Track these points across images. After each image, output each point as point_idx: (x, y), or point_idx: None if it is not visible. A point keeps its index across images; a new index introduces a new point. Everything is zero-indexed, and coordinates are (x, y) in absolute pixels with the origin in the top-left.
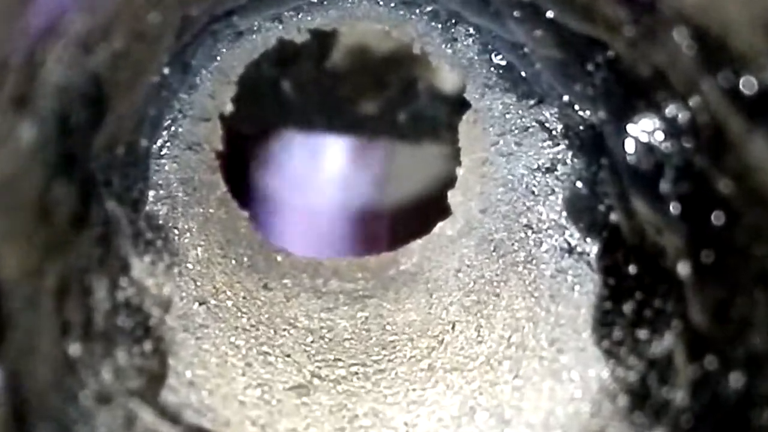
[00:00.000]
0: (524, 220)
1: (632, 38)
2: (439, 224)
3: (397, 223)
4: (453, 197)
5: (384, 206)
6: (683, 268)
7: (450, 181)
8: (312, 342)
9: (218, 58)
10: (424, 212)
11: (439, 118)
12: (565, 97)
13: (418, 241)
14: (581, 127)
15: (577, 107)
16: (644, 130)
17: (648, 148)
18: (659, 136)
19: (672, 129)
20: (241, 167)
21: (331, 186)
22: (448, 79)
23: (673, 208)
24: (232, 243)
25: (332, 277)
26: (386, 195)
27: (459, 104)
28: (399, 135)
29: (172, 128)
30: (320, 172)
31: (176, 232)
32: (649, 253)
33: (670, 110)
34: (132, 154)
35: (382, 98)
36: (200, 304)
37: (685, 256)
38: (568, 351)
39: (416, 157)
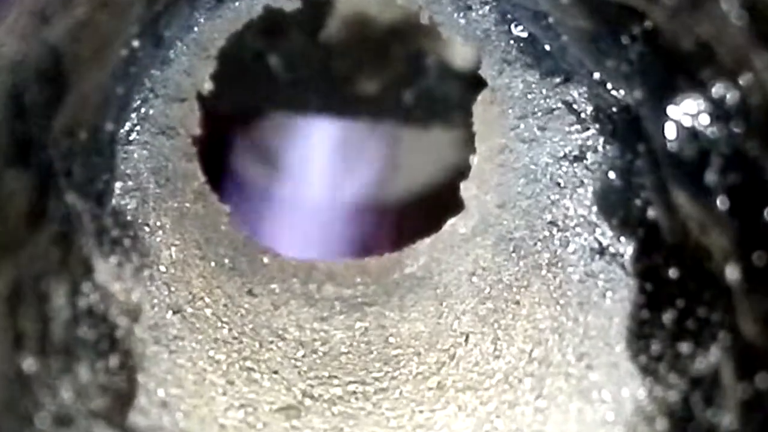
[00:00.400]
0: (548, 217)
1: (673, 6)
2: (451, 221)
3: (402, 219)
4: (466, 190)
5: (387, 200)
6: (732, 272)
7: (463, 171)
8: (303, 356)
9: (195, 29)
10: (432, 207)
11: (450, 99)
12: (596, 75)
13: (426, 241)
14: (614, 109)
15: (609, 86)
16: (687, 112)
17: (691, 134)
18: (704, 119)
19: (719, 111)
20: (222, 155)
21: (326, 177)
22: (460, 53)
23: (721, 202)
24: (211, 242)
25: (327, 281)
26: (389, 187)
27: (473, 82)
28: (404, 118)
29: (143, 110)
30: (313, 160)
31: (147, 229)
32: (692, 255)
33: (716, 90)
34: (96, 140)
35: (384, 76)
36: (174, 313)
37: (733, 257)
38: (598, 367)
39: (424, 144)
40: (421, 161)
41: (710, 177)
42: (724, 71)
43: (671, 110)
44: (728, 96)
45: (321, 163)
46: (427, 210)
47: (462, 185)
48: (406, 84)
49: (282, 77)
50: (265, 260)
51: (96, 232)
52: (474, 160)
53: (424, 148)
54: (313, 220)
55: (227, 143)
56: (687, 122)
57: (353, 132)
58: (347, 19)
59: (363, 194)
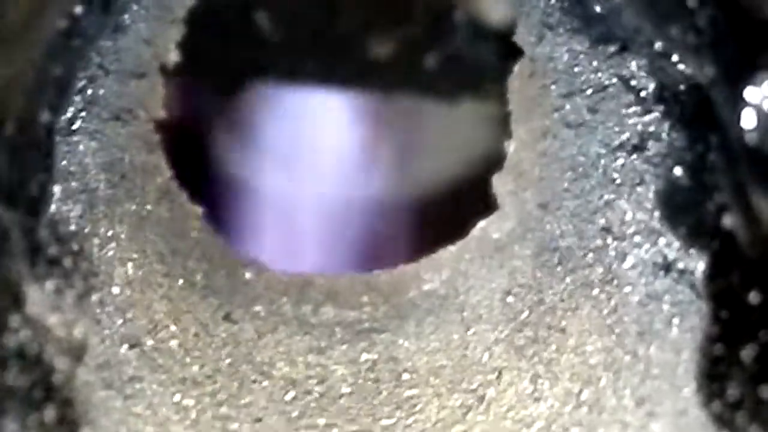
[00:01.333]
0: (601, 221)
1: None
2: (481, 224)
3: (421, 221)
4: (500, 184)
5: (401, 197)
6: None
7: (497, 161)
8: (294, 398)
9: None
10: (458, 205)
11: (482, 66)
12: (658, 45)
13: (450, 249)
14: (682, 88)
15: (675, 59)
16: (763, 94)
17: None
18: None
19: None
20: (193, 142)
21: (326, 167)
22: (495, 9)
23: None
24: (179, 254)
25: (325, 301)
26: (405, 180)
27: (512, 46)
28: (424, 90)
29: (89, 91)
30: (310, 146)
31: (96, 241)
32: None
33: None
34: (27, 133)
35: (400, 36)
36: (131, 347)
37: None
38: (662, 415)
39: (448, 124)
40: (444, 147)
41: None
42: None
43: (749, 93)
44: None
45: (319, 149)
46: (451, 209)
47: (495, 178)
48: (427, 46)
49: (271, 40)
50: (248, 276)
51: (28, 251)
52: (510, 147)
53: (449, 129)
54: (308, 223)
55: (200, 127)
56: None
57: (361, 108)
58: None
59: (372, 189)
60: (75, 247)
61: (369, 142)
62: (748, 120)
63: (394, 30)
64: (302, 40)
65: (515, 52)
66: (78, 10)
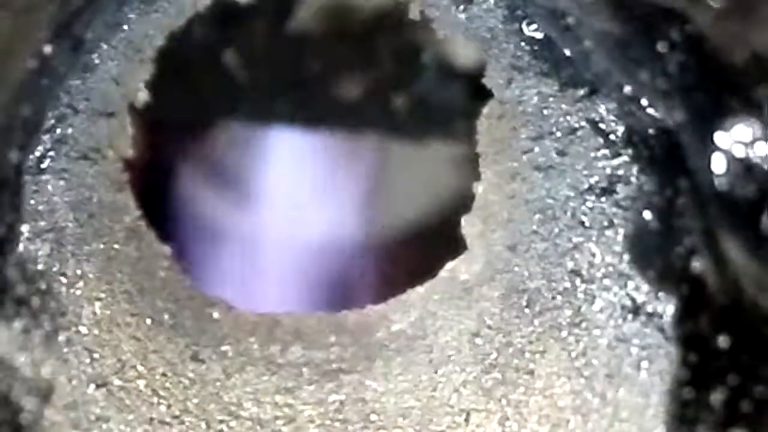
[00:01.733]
0: (570, 264)
1: (722, 9)
2: (449, 265)
3: (389, 262)
4: (469, 226)
5: (370, 237)
6: None
7: (465, 202)
8: None
9: (125, 26)
10: (427, 247)
11: (450, 107)
12: (627, 88)
13: (419, 290)
14: (651, 132)
15: (644, 103)
16: (739, 140)
17: (745, 167)
18: (761, 149)
19: None
20: (161, 182)
21: (293, 206)
22: (463, 50)
23: None
24: (146, 293)
25: (293, 341)
26: (373, 220)
27: (480, 87)
28: (393, 130)
29: (58, 130)
30: (278, 185)
31: (63, 281)
32: (747, 319)
33: None
34: None
35: (369, 77)
36: (98, 387)
37: None
38: None
39: (417, 165)
40: (413, 187)
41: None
42: None
43: (719, 137)
44: None
45: (288, 189)
46: (420, 250)
47: (464, 220)
48: (396, 87)
49: (240, 79)
50: (216, 315)
51: None
52: (478, 188)
53: (418, 170)
54: (276, 263)
55: (168, 167)
56: (739, 153)
57: (329, 149)
58: (323, 6)
59: (340, 229)
60: (43, 286)
61: (337, 183)
62: (717, 165)
63: (363, 71)
64: (271, 81)
65: (484, 94)
66: (48, 49)
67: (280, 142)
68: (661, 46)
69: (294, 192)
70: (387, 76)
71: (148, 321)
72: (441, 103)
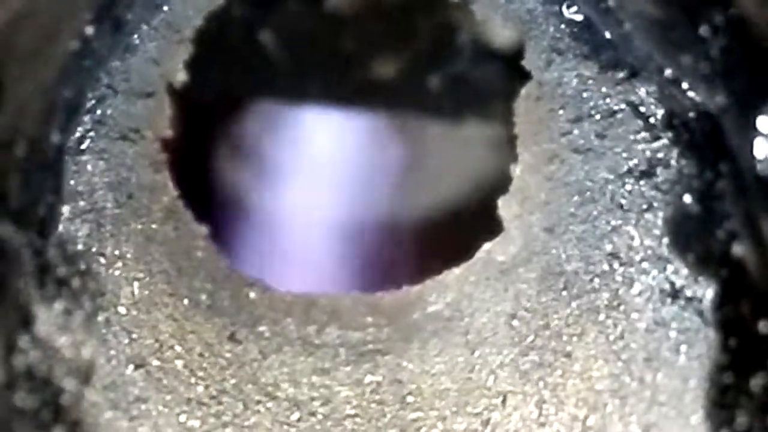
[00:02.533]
0: (608, 247)
1: None
2: (486, 246)
3: (425, 243)
4: (506, 207)
5: (406, 218)
6: None
7: (502, 183)
8: (299, 420)
9: (165, 7)
10: (464, 228)
11: (488, 87)
12: (668, 72)
13: (455, 271)
14: (691, 115)
15: (685, 86)
16: None
17: None
18: None
19: None
20: (199, 162)
21: (330, 186)
22: (501, 31)
23: None
24: (184, 274)
25: (330, 322)
26: (409, 201)
27: (518, 68)
28: (429, 110)
29: (98, 111)
30: (315, 164)
31: (102, 261)
32: None
33: None
34: (38, 154)
35: (405, 56)
36: (137, 368)
37: None
38: None
39: (453, 145)
40: (449, 168)
41: None
42: None
43: (762, 122)
44: None
45: (324, 168)
46: (456, 232)
47: (501, 201)
48: (432, 66)
49: (277, 60)
50: (252, 295)
51: (37, 272)
52: (516, 170)
53: (454, 150)
54: (313, 244)
55: (206, 147)
56: None
57: (365, 128)
58: None
59: (376, 209)
60: (82, 266)
61: (374, 163)
62: (760, 149)
63: (398, 51)
64: (305, 60)
65: (521, 75)
66: (89, 31)
67: (316, 121)
68: (703, 30)
69: (330, 172)
70: (422, 55)
71: (186, 301)
72: (478, 84)
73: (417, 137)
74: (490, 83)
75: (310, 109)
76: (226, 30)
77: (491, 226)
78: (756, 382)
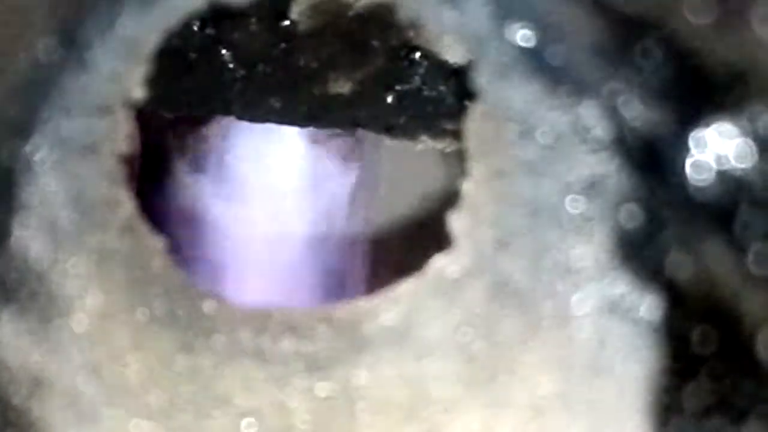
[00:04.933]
0: (553, 260)
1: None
2: (437, 260)
3: (378, 256)
4: (456, 221)
5: (360, 232)
6: (765, 345)
7: (453, 199)
8: (251, 429)
9: (121, 24)
10: (415, 242)
11: (441, 103)
12: (609, 90)
13: (406, 284)
14: (632, 133)
15: (624, 106)
16: (714, 145)
17: (719, 173)
18: (735, 154)
19: (753, 142)
20: (157, 175)
21: (285, 200)
22: (452, 50)
23: (754, 261)
24: (140, 286)
25: (284, 333)
26: (363, 215)
27: (468, 86)
28: (384, 126)
29: (52, 128)
30: (271, 179)
31: (57, 274)
32: (721, 318)
33: (750, 112)
34: None
35: (361, 72)
36: (89, 379)
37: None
38: None
39: (407, 161)
40: (402, 183)
41: (740, 228)
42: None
43: (695, 142)
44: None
45: (279, 183)
46: (408, 245)
47: (451, 216)
48: (388, 83)
49: (235, 76)
50: (208, 307)
51: None
52: (466, 185)
53: (407, 165)
54: (268, 257)
55: (162, 161)
56: (714, 158)
57: (320, 143)
58: (316, 4)
59: (331, 224)
60: (35, 276)
61: (328, 178)
62: (693, 167)
63: (355, 68)
64: (264, 77)
65: (473, 92)
66: (40, 48)
67: (273, 137)
68: (638, 51)
69: (285, 186)
70: (379, 72)
71: (141, 313)
72: (431, 101)
73: (372, 153)
74: (442, 100)
75: (267, 125)
76: (183, 47)
77: (442, 241)
78: (689, 390)
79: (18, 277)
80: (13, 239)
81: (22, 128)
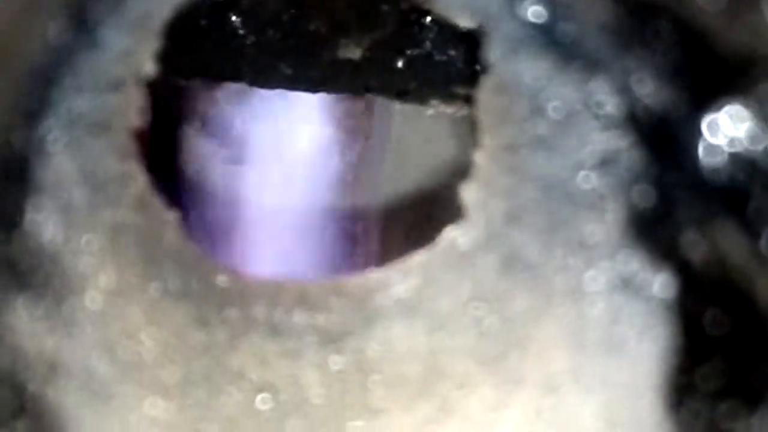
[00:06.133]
0: (565, 236)
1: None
2: (448, 231)
3: (389, 225)
4: (468, 192)
5: (371, 202)
6: None
7: (465, 169)
8: (265, 402)
9: (129, 3)
10: (427, 213)
11: (454, 66)
12: (622, 68)
13: (418, 256)
14: (645, 111)
15: (637, 83)
16: (727, 125)
17: (731, 154)
18: (748, 135)
19: (765, 124)
20: (168, 148)
21: (296, 169)
22: (462, 20)
23: (766, 242)
24: (153, 261)
25: (296, 305)
26: (375, 185)
27: (480, 55)
28: (395, 91)
29: (64, 106)
30: (282, 146)
31: (70, 252)
32: (734, 300)
33: (762, 94)
34: (2, 150)
35: (371, 37)
36: (103, 356)
37: None
38: (623, 425)
39: (418, 128)
40: (414, 151)
41: (753, 210)
42: None
43: (706, 120)
44: None
45: (292, 150)
46: (420, 216)
47: (463, 187)
48: (398, 47)
49: (246, 41)
50: (221, 281)
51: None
52: (478, 157)
53: (419, 133)
54: (281, 228)
55: (176, 134)
56: (726, 139)
57: (332, 108)
58: None
59: (343, 193)
60: (47, 260)
61: (341, 145)
62: (705, 148)
63: (365, 32)
64: (274, 41)
65: (484, 64)
66: (51, 29)
67: (285, 103)
68: (650, 33)
69: (296, 153)
70: (389, 36)
71: (155, 288)
72: (442, 66)
73: (382, 120)
74: (453, 65)
75: (276, 91)
76: (193, 13)
77: (454, 212)
78: (704, 370)
79: (32, 261)
80: (26, 222)
81: (35, 111)
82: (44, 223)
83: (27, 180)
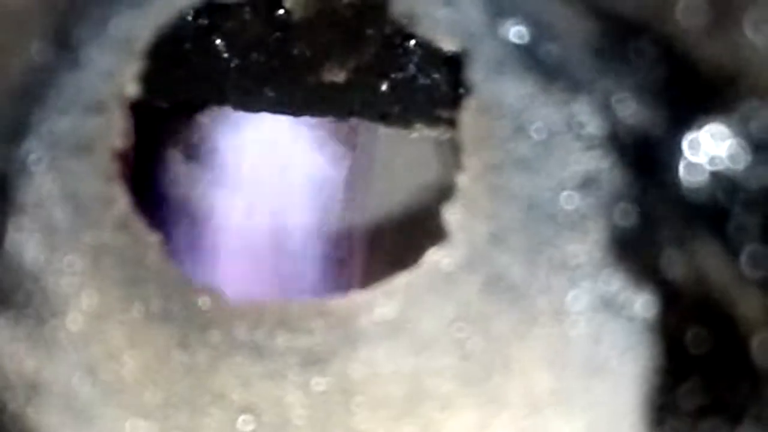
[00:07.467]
0: (548, 256)
1: (689, 26)
2: (432, 252)
3: (373, 247)
4: (451, 214)
5: (355, 225)
6: (760, 347)
7: (448, 190)
8: (248, 425)
9: (114, 22)
10: (410, 234)
11: (438, 90)
12: (604, 89)
13: (402, 278)
14: (626, 131)
15: (619, 103)
16: (708, 145)
17: (711, 170)
18: (729, 155)
19: (745, 143)
20: (150, 170)
21: (280, 191)
22: (446, 42)
23: (747, 263)
24: (135, 283)
25: (279, 327)
26: (359, 206)
27: (463, 78)
28: (379, 114)
29: (46, 127)
30: (267, 170)
31: (52, 274)
32: (715, 319)
33: (743, 113)
34: None
35: (355, 61)
36: (85, 378)
37: (764, 329)
38: None
39: (401, 150)
40: (397, 173)
41: (733, 229)
42: (754, 94)
43: (687, 139)
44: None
45: (275, 172)
46: (403, 237)
47: (446, 208)
48: (382, 71)
49: (230, 65)
50: (203, 302)
51: None
52: (461, 178)
53: (402, 155)
54: (263, 250)
55: (159, 156)
56: (703, 156)
57: (316, 132)
58: None
59: (326, 215)
60: (30, 278)
61: (324, 168)
62: (685, 166)
63: (349, 56)
64: (258, 66)
65: (467, 86)
66: (34, 48)
67: (269, 126)
68: (631, 52)
69: (282, 177)
70: (372, 60)
71: (137, 310)
72: (425, 90)
73: (367, 142)
74: (437, 88)
75: (263, 115)
76: (177, 36)
77: (437, 233)
78: (685, 389)
79: (13, 281)
80: (8, 243)
81: (17, 131)
82: (26, 243)
83: (8, 200)
